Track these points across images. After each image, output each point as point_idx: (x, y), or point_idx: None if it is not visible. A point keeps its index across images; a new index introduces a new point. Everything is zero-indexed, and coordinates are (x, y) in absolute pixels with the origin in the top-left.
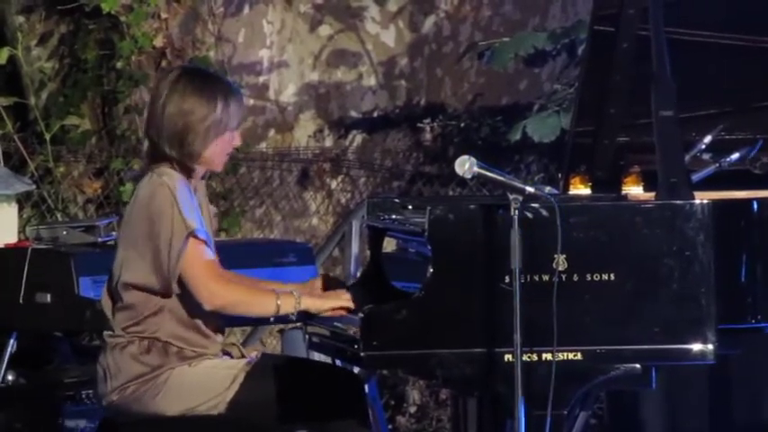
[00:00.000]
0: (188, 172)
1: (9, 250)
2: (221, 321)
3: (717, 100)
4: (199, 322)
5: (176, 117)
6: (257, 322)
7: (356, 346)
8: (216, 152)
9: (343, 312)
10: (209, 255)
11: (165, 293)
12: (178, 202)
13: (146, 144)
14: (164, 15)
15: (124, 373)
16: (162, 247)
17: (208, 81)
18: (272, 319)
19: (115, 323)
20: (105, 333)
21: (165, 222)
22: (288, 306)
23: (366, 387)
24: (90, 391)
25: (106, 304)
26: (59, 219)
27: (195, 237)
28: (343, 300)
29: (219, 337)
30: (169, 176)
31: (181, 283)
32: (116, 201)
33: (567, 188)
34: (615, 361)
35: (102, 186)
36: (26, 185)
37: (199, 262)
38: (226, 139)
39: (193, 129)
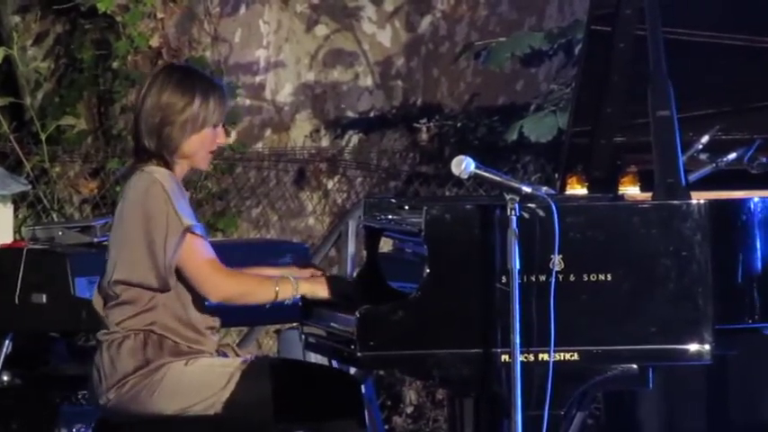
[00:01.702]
0: (171, 168)
1: (5, 250)
2: (216, 319)
3: (714, 100)
4: (193, 318)
5: (155, 110)
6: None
7: (353, 347)
8: (195, 147)
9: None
10: (208, 249)
11: (163, 290)
12: (172, 200)
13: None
14: (160, 15)
15: (120, 370)
16: (158, 245)
17: (187, 76)
18: (267, 306)
19: (109, 321)
20: (99, 333)
21: (159, 220)
22: (286, 292)
23: (363, 387)
24: (86, 392)
25: (98, 304)
26: (55, 219)
27: (192, 233)
28: None
29: (215, 336)
30: (159, 174)
31: (176, 279)
32: (112, 201)
33: (563, 188)
34: (612, 361)
35: (98, 186)
36: (22, 186)
37: (199, 257)
38: (206, 135)
39: (170, 121)
